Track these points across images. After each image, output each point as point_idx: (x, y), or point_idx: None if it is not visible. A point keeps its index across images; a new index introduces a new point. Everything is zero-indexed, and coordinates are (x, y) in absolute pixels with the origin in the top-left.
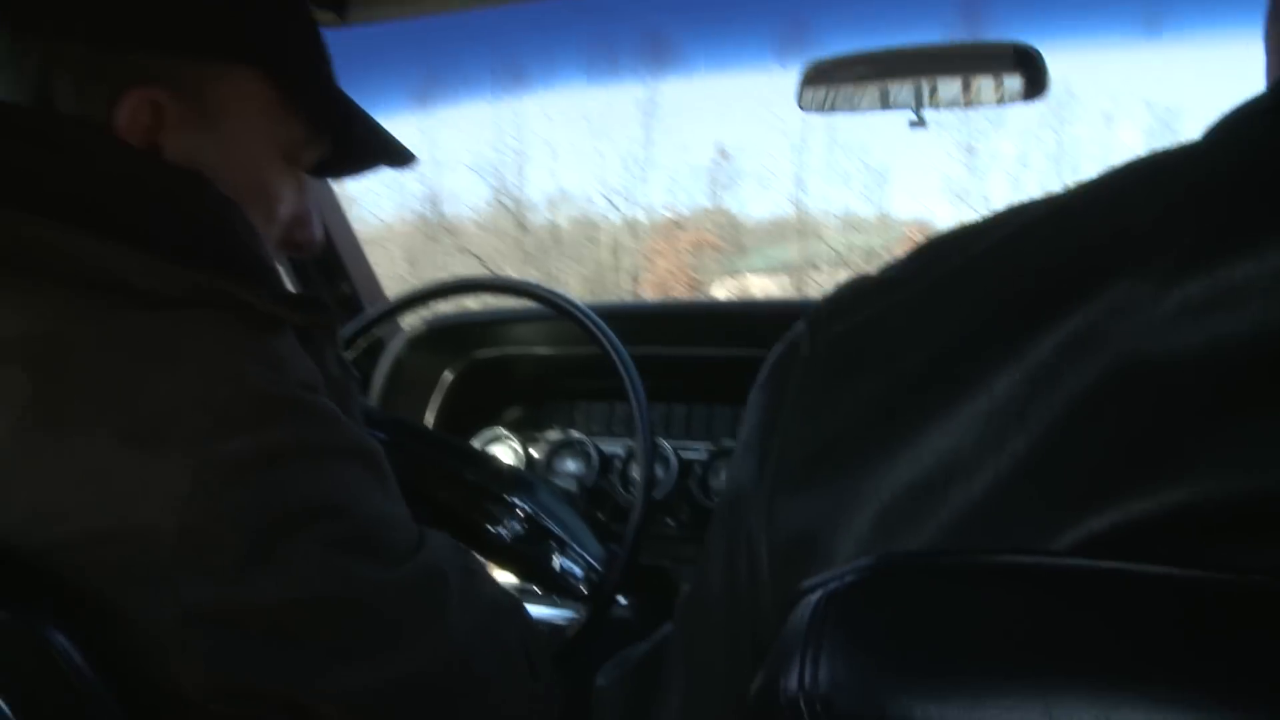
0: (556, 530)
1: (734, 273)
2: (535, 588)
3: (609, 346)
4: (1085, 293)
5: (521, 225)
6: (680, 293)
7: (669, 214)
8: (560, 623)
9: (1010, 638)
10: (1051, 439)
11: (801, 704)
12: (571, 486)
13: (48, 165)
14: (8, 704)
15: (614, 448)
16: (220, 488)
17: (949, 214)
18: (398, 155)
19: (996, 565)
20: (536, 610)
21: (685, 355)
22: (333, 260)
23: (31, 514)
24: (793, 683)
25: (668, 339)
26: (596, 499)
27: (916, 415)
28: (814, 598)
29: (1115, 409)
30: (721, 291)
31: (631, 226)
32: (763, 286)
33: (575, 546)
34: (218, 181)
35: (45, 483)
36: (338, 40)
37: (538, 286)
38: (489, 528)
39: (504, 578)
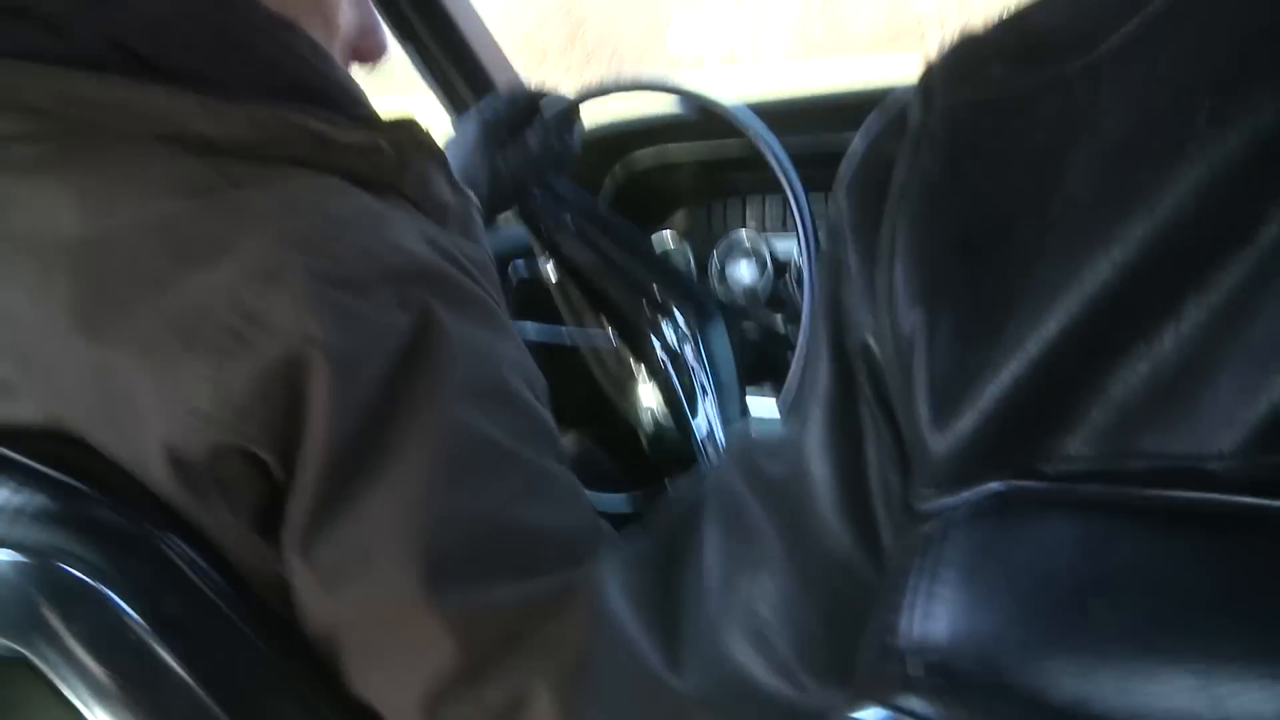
0: (709, 380)
1: None
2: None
3: (760, 139)
4: None
5: None
6: None
7: None
8: None
9: (1173, 599)
10: (1256, 272)
11: (914, 661)
12: (744, 299)
13: (86, 13)
14: (137, 610)
15: (789, 244)
16: (247, 402)
17: None
18: None
19: (1164, 503)
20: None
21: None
22: (465, 53)
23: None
24: (903, 632)
25: (830, 127)
26: (773, 302)
27: (1078, 235)
28: (930, 528)
29: None
30: None
31: None
32: None
33: (723, 400)
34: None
35: (88, 398)
36: None
37: (679, 84)
38: (652, 339)
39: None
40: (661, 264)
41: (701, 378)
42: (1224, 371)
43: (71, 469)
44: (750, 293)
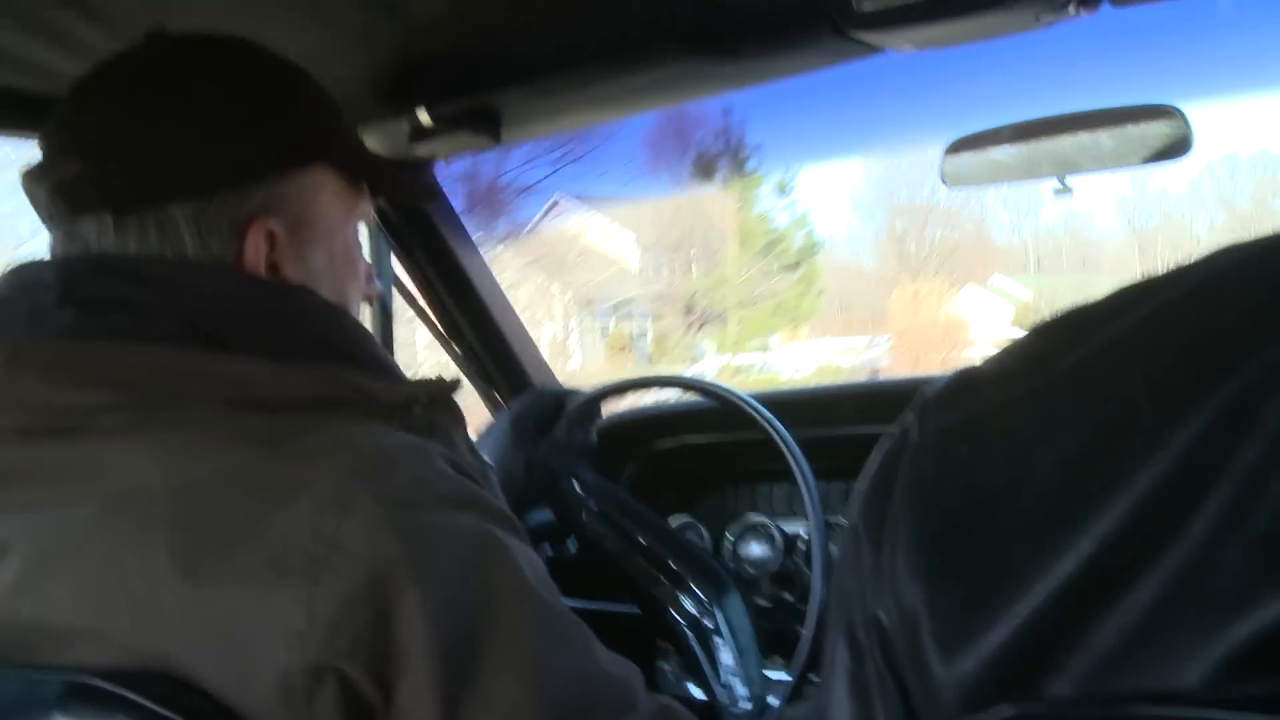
0: (732, 641)
1: None
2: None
3: (772, 431)
4: (1237, 362)
5: None
6: None
7: None
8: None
9: None
10: (1207, 540)
11: None
12: (757, 573)
13: (175, 304)
14: None
15: (796, 527)
16: (337, 619)
17: None
18: (421, 191)
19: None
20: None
21: (858, 434)
22: (501, 348)
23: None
24: None
25: (837, 419)
26: (783, 580)
27: (1053, 518)
28: None
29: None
30: None
31: None
32: None
33: (744, 665)
34: (329, 278)
35: (192, 634)
36: None
37: (703, 381)
38: (672, 613)
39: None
40: (678, 542)
41: (722, 644)
42: (1189, 619)
43: (175, 706)
44: (761, 569)
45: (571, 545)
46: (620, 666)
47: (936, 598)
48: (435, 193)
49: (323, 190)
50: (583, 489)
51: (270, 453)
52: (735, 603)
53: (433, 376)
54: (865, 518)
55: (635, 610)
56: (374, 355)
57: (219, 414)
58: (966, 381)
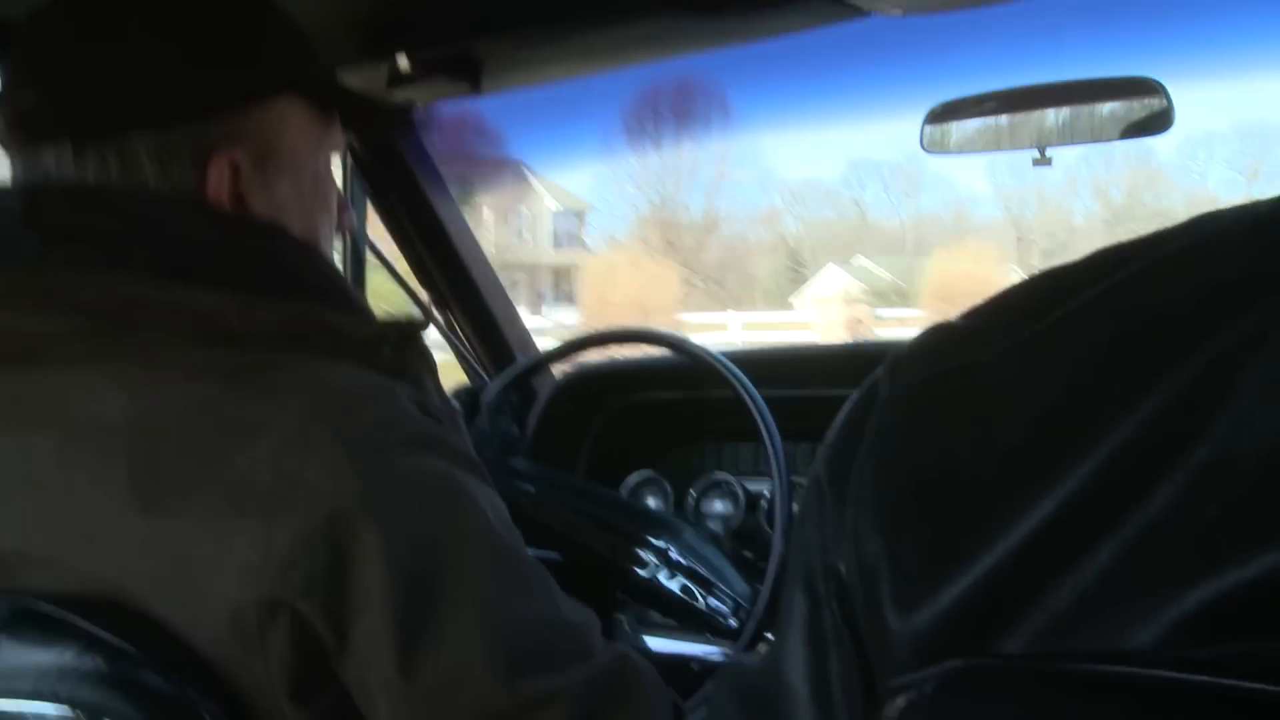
0: (702, 571)
1: None
2: (685, 627)
3: (741, 389)
4: (1214, 327)
5: None
6: None
7: None
8: (714, 658)
9: None
10: (1171, 506)
11: None
12: (719, 527)
13: (140, 235)
14: None
15: (760, 486)
16: (294, 555)
17: None
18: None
19: (1104, 677)
20: (687, 646)
21: (827, 394)
22: (481, 311)
23: (142, 592)
24: None
25: (806, 380)
26: (744, 538)
27: (1018, 478)
28: (898, 702)
29: (1235, 464)
30: None
31: None
32: None
33: (721, 586)
34: (296, 210)
35: (147, 565)
36: None
37: (671, 335)
38: (637, 571)
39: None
40: (623, 505)
41: (698, 569)
42: (1146, 582)
43: (124, 633)
44: (724, 525)
45: None
46: (579, 613)
47: (896, 551)
48: (409, 129)
49: (289, 120)
50: (516, 478)
51: (235, 387)
52: (690, 533)
53: (406, 318)
54: (829, 469)
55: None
56: (344, 292)
57: (184, 346)
58: (940, 337)
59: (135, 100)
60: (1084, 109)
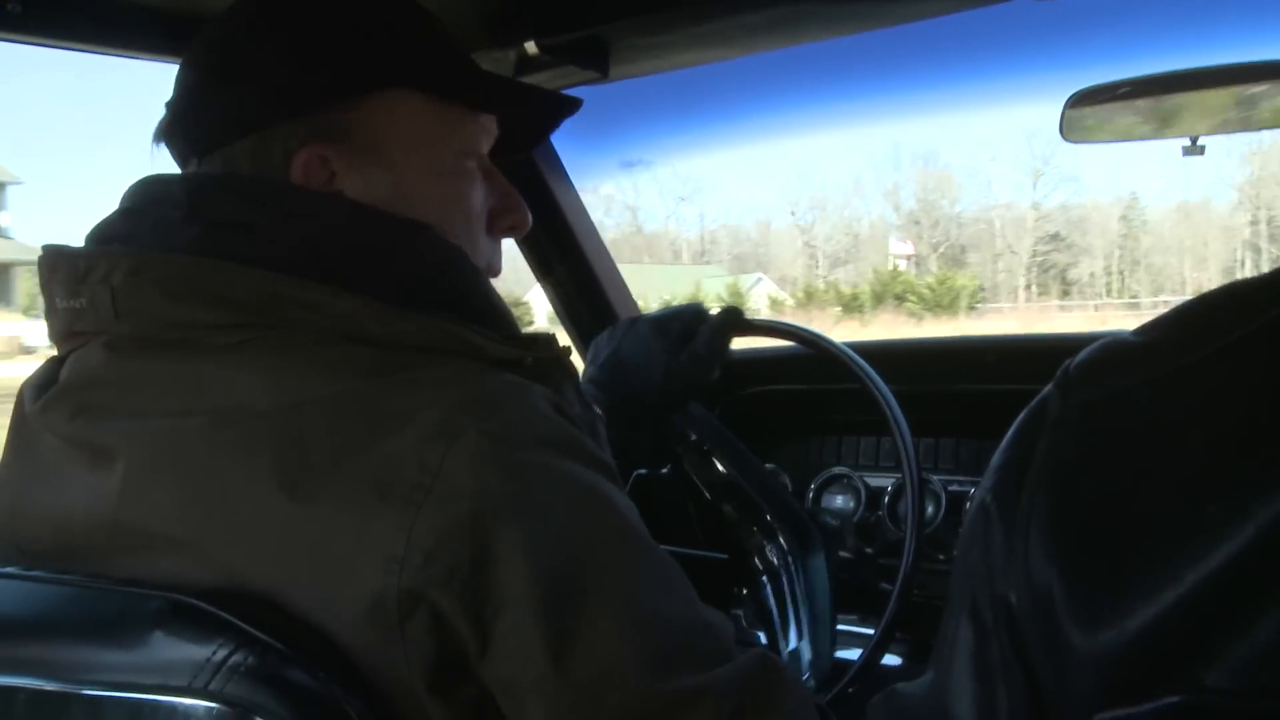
0: (808, 606)
1: None
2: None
3: (872, 384)
4: None
5: None
6: None
7: None
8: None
9: None
10: None
11: None
12: (838, 522)
13: (277, 227)
14: None
15: (882, 481)
16: (436, 547)
17: None
18: (565, 103)
19: None
20: None
21: (952, 390)
22: (591, 284)
23: (284, 584)
24: None
25: (933, 375)
26: (865, 534)
27: (1203, 504)
28: None
29: None
30: None
31: None
32: None
33: (816, 633)
34: (404, 206)
35: (290, 552)
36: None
37: (805, 330)
38: (755, 561)
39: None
40: (774, 490)
41: (798, 604)
42: None
43: (269, 628)
44: (844, 520)
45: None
46: (714, 615)
47: (1072, 578)
48: (576, 101)
49: (396, 114)
50: (688, 420)
51: (378, 382)
52: (819, 564)
53: (547, 333)
54: (998, 495)
55: (717, 556)
56: (486, 305)
57: (329, 343)
58: (1113, 354)
59: (234, 119)
60: (1231, 94)
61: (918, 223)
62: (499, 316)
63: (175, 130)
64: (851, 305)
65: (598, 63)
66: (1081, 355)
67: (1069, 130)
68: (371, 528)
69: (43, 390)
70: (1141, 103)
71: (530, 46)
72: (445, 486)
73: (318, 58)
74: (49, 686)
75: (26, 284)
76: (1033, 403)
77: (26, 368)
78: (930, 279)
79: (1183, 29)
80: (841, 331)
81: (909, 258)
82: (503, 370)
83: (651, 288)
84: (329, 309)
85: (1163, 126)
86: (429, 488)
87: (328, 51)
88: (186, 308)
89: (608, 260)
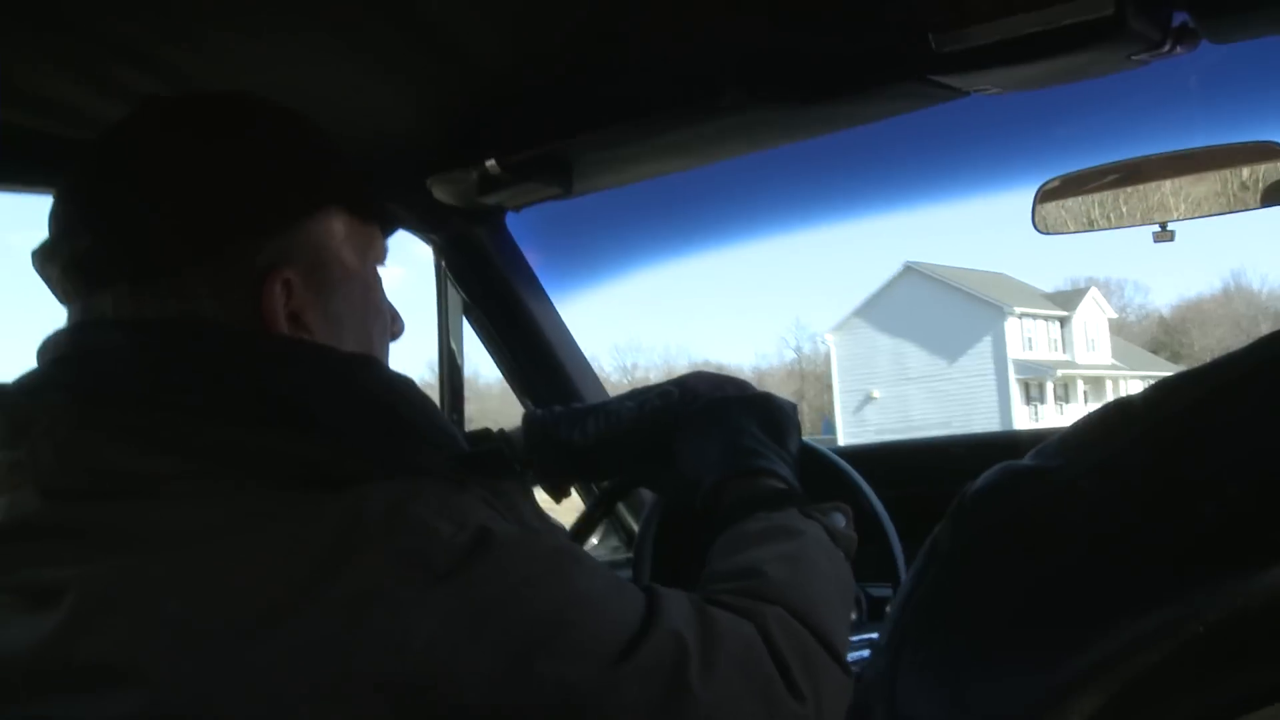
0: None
1: None
2: None
3: (863, 494)
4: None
5: None
6: None
7: None
8: None
9: None
10: None
11: None
12: None
13: (241, 372)
14: None
15: (882, 592)
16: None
17: None
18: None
19: None
20: None
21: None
22: (568, 387)
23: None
24: None
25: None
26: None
27: (1069, 621)
28: None
29: None
30: None
31: None
32: None
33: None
34: (352, 322)
35: (239, 689)
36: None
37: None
38: None
39: None
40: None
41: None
42: None
43: None
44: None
45: None
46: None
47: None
48: (500, 232)
49: (333, 233)
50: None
51: (320, 524)
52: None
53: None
54: (884, 631)
55: None
56: (437, 427)
57: (280, 487)
58: (1008, 479)
59: (184, 236)
60: (1205, 177)
61: None
62: (445, 435)
63: (100, 254)
64: None
65: (559, 178)
66: (978, 482)
67: (1039, 224)
68: (315, 665)
69: None
70: (1109, 192)
71: (492, 165)
72: (385, 628)
73: (260, 177)
74: None
75: None
76: (926, 541)
77: None
78: None
79: (1150, 116)
80: None
81: None
82: (451, 488)
83: None
84: (282, 454)
85: (1130, 215)
86: (371, 629)
87: (269, 170)
88: (137, 460)
89: (585, 367)
